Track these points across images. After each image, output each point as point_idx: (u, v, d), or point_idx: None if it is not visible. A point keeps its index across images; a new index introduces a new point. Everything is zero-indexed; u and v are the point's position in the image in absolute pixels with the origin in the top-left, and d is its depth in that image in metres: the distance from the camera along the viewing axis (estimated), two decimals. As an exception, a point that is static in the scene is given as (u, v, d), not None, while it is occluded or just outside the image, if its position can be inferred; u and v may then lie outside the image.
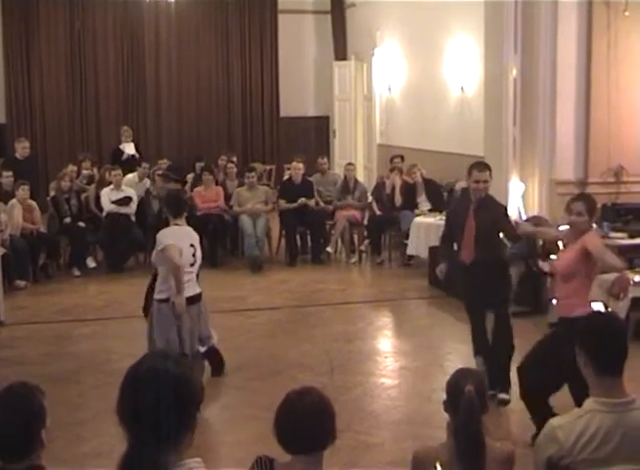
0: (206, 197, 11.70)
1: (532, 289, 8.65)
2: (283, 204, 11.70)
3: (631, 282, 7.49)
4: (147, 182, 12.05)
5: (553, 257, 9.17)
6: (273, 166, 16.32)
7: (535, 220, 9.07)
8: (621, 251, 8.54)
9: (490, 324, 6.58)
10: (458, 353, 7.45)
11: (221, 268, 11.10)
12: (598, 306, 7.38)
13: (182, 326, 6.19)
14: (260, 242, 11.40)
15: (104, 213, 11.28)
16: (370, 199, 12.00)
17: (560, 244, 6.00)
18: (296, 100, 17.25)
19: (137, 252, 11.29)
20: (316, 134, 17.45)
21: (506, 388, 6.23)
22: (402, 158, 12.31)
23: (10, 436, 2.71)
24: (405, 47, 14.07)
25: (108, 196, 11.27)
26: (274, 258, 11.74)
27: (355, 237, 11.92)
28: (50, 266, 10.83)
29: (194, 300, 6.29)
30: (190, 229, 6.45)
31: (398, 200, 11.47)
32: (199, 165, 13.43)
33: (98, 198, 11.42)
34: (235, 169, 12.74)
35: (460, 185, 11.09)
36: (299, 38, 17.28)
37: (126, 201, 11.26)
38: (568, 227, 5.58)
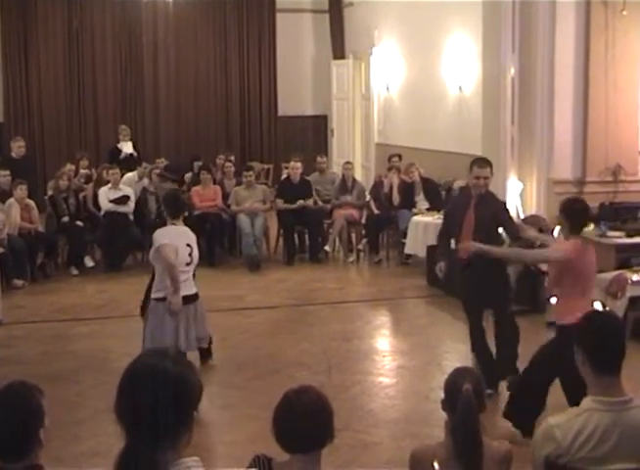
0: (204, 196, 11.70)
1: (530, 288, 8.66)
2: (281, 204, 11.69)
3: (629, 281, 7.52)
4: (145, 181, 12.04)
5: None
6: (271, 166, 16.32)
7: (533, 219, 9.10)
8: (619, 249, 8.56)
9: (490, 324, 6.60)
10: (456, 352, 7.45)
11: (219, 267, 11.10)
12: (596, 306, 7.40)
13: (179, 325, 6.23)
14: (258, 241, 11.40)
15: (102, 213, 11.28)
16: (368, 198, 12.00)
17: None
18: (294, 99, 17.25)
19: (135, 251, 11.29)
20: (314, 133, 17.44)
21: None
22: (400, 157, 12.32)
23: (8, 435, 2.71)
24: (403, 46, 14.07)
25: (105, 195, 11.26)
26: (272, 258, 11.74)
27: (353, 236, 11.92)
28: (48, 266, 10.82)
29: (190, 299, 6.32)
30: (187, 229, 6.50)
31: (396, 199, 11.48)
32: (197, 164, 13.42)
33: (96, 197, 11.41)
34: (233, 168, 12.73)
35: (458, 184, 11.10)
36: (297, 37, 17.27)
37: (124, 200, 11.25)
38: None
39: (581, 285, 5.37)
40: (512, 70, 9.79)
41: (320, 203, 11.94)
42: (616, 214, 9.13)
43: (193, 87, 16.95)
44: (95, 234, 11.20)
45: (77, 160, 12.97)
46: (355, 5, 16.11)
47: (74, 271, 10.86)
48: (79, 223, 11.14)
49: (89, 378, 6.89)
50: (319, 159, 12.66)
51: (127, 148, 13.92)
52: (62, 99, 16.25)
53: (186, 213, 6.78)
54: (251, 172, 11.90)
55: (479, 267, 6.25)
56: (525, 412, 5.49)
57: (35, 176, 12.87)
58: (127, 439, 2.17)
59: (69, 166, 12.12)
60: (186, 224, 6.69)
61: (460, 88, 12.01)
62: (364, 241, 11.78)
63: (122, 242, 11.09)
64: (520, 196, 9.94)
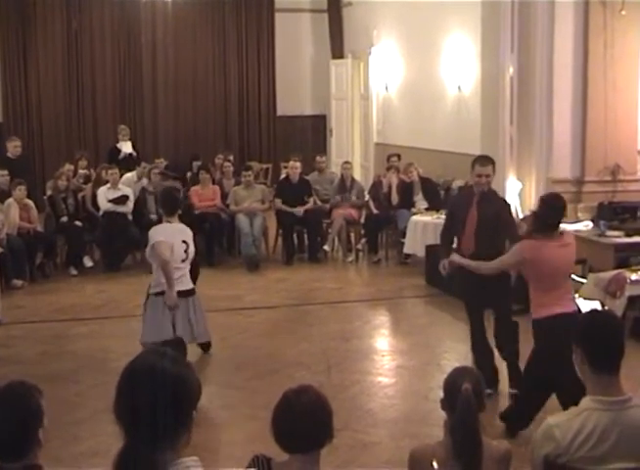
0: (203, 196, 11.69)
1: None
2: (279, 203, 11.68)
3: (628, 280, 7.52)
4: (144, 181, 12.04)
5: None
6: (270, 165, 16.32)
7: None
8: (618, 249, 8.57)
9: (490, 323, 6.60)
10: (455, 352, 7.46)
11: (218, 267, 11.10)
12: (594, 306, 7.41)
13: (175, 317, 6.38)
14: (257, 241, 11.40)
15: (100, 212, 11.28)
16: (367, 197, 12.01)
17: None
18: (292, 99, 17.25)
19: (134, 250, 11.28)
20: (313, 133, 17.44)
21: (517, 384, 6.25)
22: (399, 156, 12.32)
23: (7, 435, 2.71)
24: (402, 46, 14.07)
25: (104, 195, 11.26)
26: (271, 257, 11.74)
27: (352, 236, 11.92)
28: (47, 266, 10.81)
29: (186, 294, 6.47)
30: (183, 226, 6.57)
31: (395, 198, 11.48)
32: (195, 164, 13.42)
33: (94, 197, 11.41)
34: (232, 168, 12.74)
35: (457, 184, 11.11)
36: (296, 37, 17.27)
37: (123, 200, 11.25)
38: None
39: (546, 281, 5.38)
40: (511, 70, 9.80)
41: (319, 202, 11.94)
42: (614, 214, 9.14)
43: (192, 87, 16.94)
44: (94, 234, 11.20)
45: (76, 160, 12.96)
46: (354, 5, 16.12)
47: (73, 271, 10.85)
48: (78, 223, 11.13)
49: (88, 378, 6.88)
50: (319, 158, 12.66)
51: (126, 148, 13.92)
52: (61, 99, 16.25)
53: (180, 211, 6.80)
54: (249, 172, 11.89)
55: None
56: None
57: (32, 176, 12.85)
58: (126, 439, 2.17)
59: (68, 166, 12.11)
60: (184, 222, 6.73)
61: (459, 88, 12.02)
62: (363, 241, 11.78)
63: (121, 242, 11.09)
64: (518, 196, 9.95)
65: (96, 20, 16.27)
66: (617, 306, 7.28)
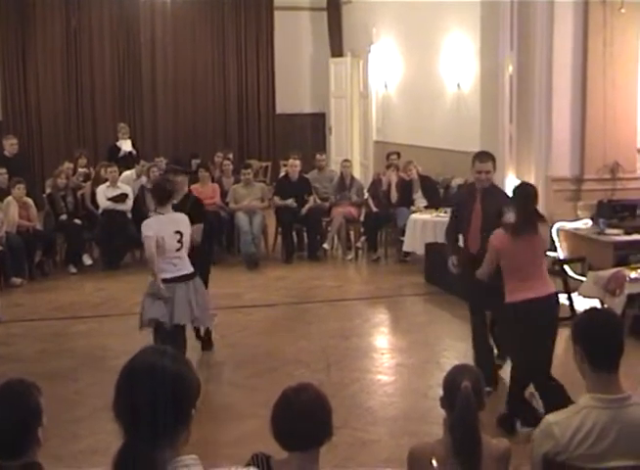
0: (203, 194, 11.61)
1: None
2: (277, 200, 11.67)
3: (627, 278, 7.52)
4: (143, 179, 12.03)
5: (549, 253, 9.22)
6: (269, 163, 16.32)
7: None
8: (617, 247, 8.57)
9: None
10: (454, 350, 7.46)
11: (217, 265, 11.01)
12: (594, 303, 7.41)
13: (174, 300, 6.44)
14: (256, 239, 11.40)
15: (100, 211, 11.28)
16: (366, 195, 12.01)
17: None
18: (292, 97, 17.24)
19: (133, 248, 11.26)
20: (312, 131, 17.44)
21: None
22: (398, 154, 12.32)
23: (6, 433, 2.71)
24: (401, 44, 14.06)
25: (104, 193, 11.26)
26: (270, 255, 11.74)
27: (352, 234, 11.91)
28: (46, 264, 10.82)
29: (186, 278, 6.53)
30: (176, 216, 6.58)
31: (394, 196, 11.47)
32: (195, 162, 13.41)
33: (93, 195, 11.41)
34: (231, 166, 12.73)
35: (456, 182, 11.11)
36: (295, 35, 17.26)
37: (122, 198, 11.25)
38: None
39: (518, 271, 5.46)
40: (510, 68, 9.80)
41: (318, 201, 11.94)
42: (614, 212, 9.15)
43: (191, 85, 16.94)
44: (93, 232, 11.20)
45: (76, 158, 12.96)
46: (353, 3, 16.11)
47: (73, 269, 10.85)
48: (77, 221, 11.13)
49: (87, 376, 6.89)
50: (319, 156, 12.65)
51: (126, 146, 13.91)
52: (60, 97, 16.24)
53: (175, 201, 6.85)
54: (249, 170, 11.89)
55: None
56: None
57: (30, 174, 12.85)
58: (126, 437, 2.17)
59: (68, 165, 12.11)
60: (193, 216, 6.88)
61: (458, 86, 12.01)
62: (362, 239, 11.78)
63: (120, 240, 11.08)
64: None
65: (95, 18, 16.26)
66: (617, 304, 7.28)
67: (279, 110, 17.31)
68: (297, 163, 11.85)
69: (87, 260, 11.18)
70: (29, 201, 10.79)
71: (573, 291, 8.24)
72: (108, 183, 11.35)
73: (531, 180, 9.58)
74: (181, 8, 16.38)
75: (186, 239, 6.50)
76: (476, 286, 6.33)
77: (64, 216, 11.11)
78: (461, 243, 6.75)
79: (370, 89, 15.29)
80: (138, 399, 2.15)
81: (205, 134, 16.93)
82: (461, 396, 3.01)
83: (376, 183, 11.98)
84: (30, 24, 15.90)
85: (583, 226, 9.22)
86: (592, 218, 9.26)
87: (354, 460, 5.25)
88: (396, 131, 14.34)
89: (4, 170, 11.07)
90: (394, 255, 11.46)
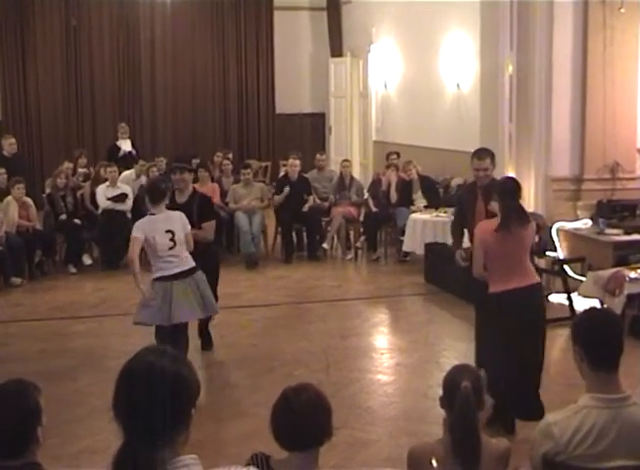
0: (202, 194, 11.67)
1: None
2: (277, 198, 11.67)
3: (627, 278, 7.52)
4: (143, 179, 12.03)
5: (549, 253, 9.23)
6: (269, 163, 16.33)
7: (531, 217, 9.08)
8: (617, 247, 8.57)
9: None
10: (454, 350, 7.46)
11: (217, 265, 11.07)
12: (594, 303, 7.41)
13: (172, 299, 6.42)
14: (256, 239, 11.41)
15: (99, 210, 11.28)
16: (366, 195, 12.01)
17: None
18: (291, 97, 17.24)
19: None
20: (312, 131, 17.44)
21: None
22: (398, 154, 12.32)
23: (6, 433, 2.71)
24: (401, 44, 14.06)
25: (103, 193, 11.27)
26: (270, 255, 11.74)
27: (351, 234, 11.92)
28: (46, 263, 10.82)
29: (184, 274, 6.51)
30: (169, 215, 6.55)
31: (394, 196, 11.47)
32: (194, 162, 13.37)
33: (93, 195, 11.42)
34: (231, 166, 12.74)
35: (456, 182, 11.11)
36: (295, 35, 17.27)
37: (122, 198, 11.25)
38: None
39: (501, 263, 5.51)
40: (510, 68, 9.79)
41: (317, 200, 11.93)
42: (613, 212, 9.14)
43: (191, 85, 16.94)
44: (93, 232, 11.20)
45: (76, 158, 12.96)
46: (353, 3, 16.11)
47: (72, 269, 10.85)
48: (77, 221, 11.13)
49: (87, 376, 6.88)
50: (319, 156, 12.65)
51: (126, 146, 13.91)
52: (59, 97, 16.24)
53: (183, 199, 6.87)
54: (248, 170, 11.89)
55: None
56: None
57: (29, 174, 12.84)
58: (125, 437, 2.16)
59: (67, 165, 12.11)
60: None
61: (458, 86, 12.01)
62: (362, 239, 11.78)
63: (120, 240, 11.03)
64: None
65: (95, 17, 16.27)
66: (616, 304, 7.28)
67: (279, 110, 17.31)
68: (297, 162, 11.84)
69: (87, 260, 11.18)
70: (29, 201, 10.79)
71: (573, 291, 8.24)
72: (107, 183, 11.35)
73: (531, 180, 9.61)
74: (181, 7, 16.38)
75: (179, 237, 6.46)
76: (480, 282, 6.34)
77: (63, 216, 11.11)
78: (466, 238, 6.75)
79: (370, 89, 15.29)
80: (137, 399, 2.15)
81: (204, 134, 16.93)
82: (461, 395, 3.01)
83: (375, 183, 11.98)
84: (30, 24, 15.90)
85: (583, 226, 9.22)
86: (592, 218, 9.25)
87: (354, 460, 5.25)
88: (396, 131, 14.34)
89: (3, 170, 11.07)
90: (394, 254, 11.46)
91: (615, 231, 8.79)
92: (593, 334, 3.03)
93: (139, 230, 6.46)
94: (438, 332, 8.25)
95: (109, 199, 11.20)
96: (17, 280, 10.07)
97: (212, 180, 12.13)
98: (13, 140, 12.27)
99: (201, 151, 14.80)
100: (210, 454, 5.29)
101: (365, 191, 12.15)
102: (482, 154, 6.46)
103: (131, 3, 16.22)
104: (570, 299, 8.20)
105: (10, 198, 10.50)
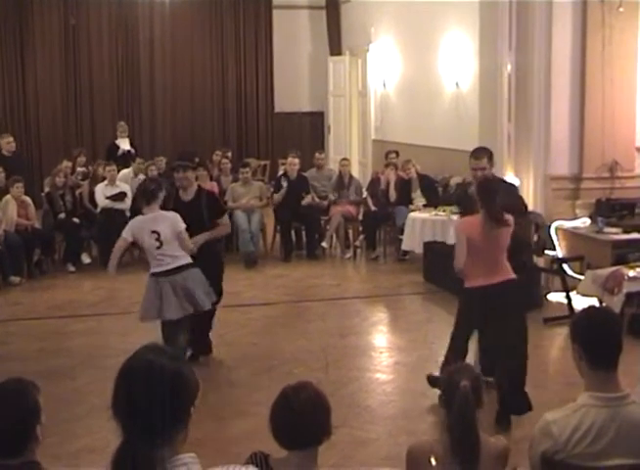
0: (201, 193, 11.66)
1: (527, 284, 8.65)
2: (276, 196, 11.67)
3: (626, 277, 7.52)
4: (141, 178, 12.02)
5: (548, 251, 9.23)
6: (268, 162, 16.33)
7: (530, 216, 9.09)
8: (615, 246, 8.57)
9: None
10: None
11: (216, 264, 11.07)
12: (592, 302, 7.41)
13: (162, 296, 6.55)
14: (255, 237, 11.41)
15: (98, 209, 11.28)
16: (365, 194, 12.01)
17: None
18: (290, 96, 17.24)
19: (132, 247, 11.24)
20: (311, 130, 17.44)
21: None
22: (397, 153, 12.32)
23: (5, 432, 2.71)
24: (400, 43, 14.06)
25: (102, 192, 11.26)
26: (269, 254, 11.74)
27: (350, 232, 11.92)
28: (45, 262, 10.82)
29: (173, 271, 6.58)
30: (157, 215, 6.64)
31: (393, 195, 11.48)
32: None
33: (91, 194, 11.42)
34: (229, 165, 12.74)
35: (455, 181, 11.11)
36: (294, 34, 17.26)
37: (121, 196, 11.25)
38: None
39: (479, 260, 5.64)
40: (509, 67, 9.79)
41: (317, 199, 11.93)
42: (612, 211, 9.15)
43: (189, 84, 16.94)
44: (91, 231, 11.20)
45: (75, 156, 12.96)
46: (352, 1, 16.11)
47: (71, 268, 10.85)
48: (76, 220, 11.14)
49: (86, 374, 6.88)
50: (318, 155, 12.65)
51: (125, 145, 13.91)
52: (58, 96, 16.24)
53: (188, 197, 7.05)
54: (247, 169, 11.89)
55: None
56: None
57: (28, 173, 12.83)
58: (124, 435, 2.17)
59: (66, 163, 12.11)
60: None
61: (457, 85, 12.01)
62: (361, 237, 11.78)
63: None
64: (516, 192, 9.93)
65: (93, 16, 16.26)
66: (615, 303, 7.28)
67: (277, 108, 17.31)
68: (297, 161, 11.85)
69: (86, 259, 11.18)
70: (28, 199, 10.79)
71: (572, 289, 8.24)
72: (106, 182, 11.35)
73: (530, 179, 9.61)
74: (180, 7, 16.37)
75: (165, 237, 6.54)
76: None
77: (62, 215, 11.11)
78: None
79: (369, 88, 15.29)
80: (136, 398, 2.15)
81: (203, 133, 16.93)
82: (460, 395, 3.01)
83: (374, 182, 11.98)
84: (29, 23, 15.89)
85: (582, 225, 9.22)
86: (591, 217, 9.26)
87: (353, 459, 5.25)
88: (395, 130, 14.34)
89: (0, 169, 11.06)
90: (393, 253, 11.46)
91: (613, 230, 8.79)
92: (592, 333, 3.03)
93: (128, 231, 6.67)
94: (437, 331, 8.24)
95: (107, 197, 11.20)
96: (16, 279, 10.07)
97: (211, 179, 12.12)
98: (11, 139, 12.26)
99: (199, 150, 14.78)
100: (210, 453, 5.29)
101: (364, 190, 12.15)
102: (479, 153, 6.47)
103: (130, 3, 16.22)
104: (568, 297, 8.21)
105: (9, 197, 10.50)
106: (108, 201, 11.19)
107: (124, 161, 13.06)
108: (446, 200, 10.54)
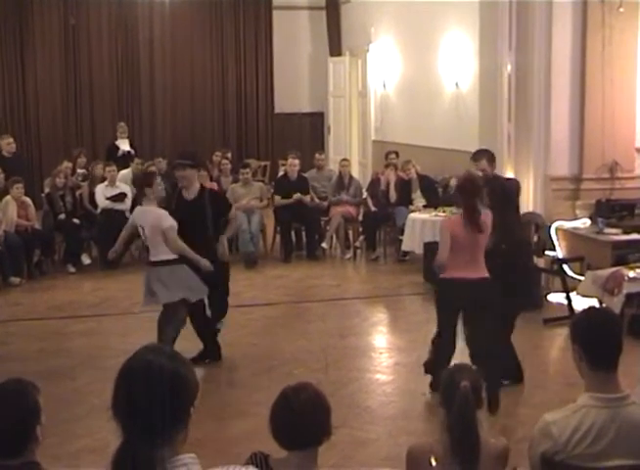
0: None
1: (526, 284, 8.65)
2: (278, 199, 11.68)
3: (626, 278, 7.52)
4: (141, 178, 12.03)
5: (548, 252, 9.23)
6: (268, 163, 16.33)
7: (530, 216, 9.10)
8: (615, 246, 8.57)
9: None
10: (453, 349, 7.44)
11: (216, 265, 11.06)
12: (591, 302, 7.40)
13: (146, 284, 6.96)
14: (255, 238, 11.41)
15: (98, 210, 11.28)
16: (365, 195, 12.00)
17: None
18: (290, 96, 17.23)
19: (132, 248, 11.26)
20: (311, 130, 17.44)
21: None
22: (397, 154, 12.32)
23: (5, 432, 2.71)
24: (400, 43, 14.06)
25: (102, 192, 11.26)
26: (269, 255, 11.74)
27: (350, 233, 11.92)
28: (44, 263, 10.82)
29: (152, 264, 6.93)
30: (145, 209, 6.95)
31: (393, 196, 11.48)
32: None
33: (91, 195, 11.42)
34: (229, 166, 12.74)
35: (455, 181, 11.09)
36: (294, 35, 17.26)
37: (121, 197, 11.24)
38: None
39: (458, 254, 5.83)
40: (509, 67, 9.79)
41: (317, 200, 11.93)
42: (612, 211, 9.14)
43: (189, 84, 16.93)
44: (92, 231, 11.20)
45: (75, 157, 12.95)
46: (352, 2, 16.11)
47: (71, 269, 10.85)
48: (76, 221, 11.13)
49: (85, 375, 6.89)
50: (318, 155, 12.65)
51: (124, 145, 13.91)
52: (58, 96, 16.23)
53: (191, 196, 7.12)
54: (247, 169, 11.89)
55: (502, 258, 6.33)
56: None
57: (28, 173, 12.84)
58: (124, 435, 2.17)
59: (66, 164, 12.10)
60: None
61: (457, 85, 12.01)
62: (361, 238, 11.78)
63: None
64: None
65: (93, 16, 16.25)
66: (615, 304, 7.28)
67: (277, 109, 17.30)
68: (297, 162, 11.85)
69: (86, 260, 11.18)
70: (28, 200, 10.79)
71: (572, 290, 8.24)
72: (106, 182, 11.35)
73: (530, 179, 9.61)
74: (180, 7, 16.37)
75: (147, 232, 6.88)
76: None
77: (62, 216, 11.10)
78: None
79: (369, 88, 15.29)
80: (136, 398, 2.15)
81: (203, 133, 16.93)
82: (460, 395, 3.01)
83: (374, 182, 11.98)
84: (29, 23, 15.88)
85: (582, 225, 9.22)
86: (591, 218, 9.25)
87: (353, 459, 5.25)
88: (395, 130, 14.33)
89: (0, 170, 11.07)
90: (393, 254, 11.46)
91: (613, 230, 8.79)
92: (592, 333, 3.03)
93: (132, 217, 7.29)
94: (437, 331, 8.24)
95: (108, 198, 11.19)
96: (16, 279, 10.07)
97: (211, 179, 12.12)
98: (11, 140, 12.26)
99: (199, 150, 14.75)
100: (210, 453, 5.29)
101: (364, 190, 12.15)
102: (478, 156, 6.54)
103: (130, 3, 16.21)
104: (568, 298, 8.20)
105: (9, 197, 10.50)
106: (108, 201, 11.18)
107: (124, 161, 13.05)
108: (446, 200, 10.54)
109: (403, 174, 11.61)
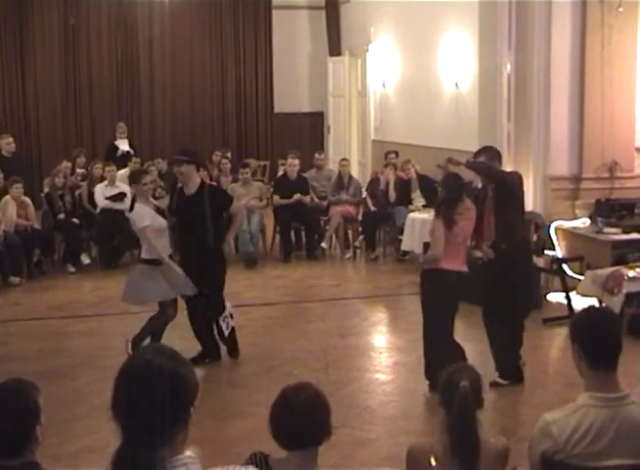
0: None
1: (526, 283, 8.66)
2: (278, 199, 11.68)
3: (625, 277, 7.53)
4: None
5: (547, 252, 9.23)
6: (267, 162, 16.32)
7: (529, 216, 9.10)
8: (615, 246, 8.57)
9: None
10: (453, 349, 7.44)
11: (216, 264, 11.06)
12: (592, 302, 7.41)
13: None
14: (255, 238, 11.41)
15: (98, 210, 11.27)
16: (364, 194, 12.01)
17: None
18: (290, 96, 17.23)
19: (131, 248, 11.25)
20: (311, 130, 17.43)
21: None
22: (397, 153, 12.31)
23: (5, 432, 2.71)
24: (400, 43, 14.05)
25: (102, 192, 11.26)
26: (268, 255, 11.73)
27: (350, 233, 11.92)
28: (44, 263, 10.82)
29: (143, 262, 7.22)
30: (136, 208, 7.12)
31: (393, 195, 11.48)
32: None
33: (91, 194, 11.42)
34: (229, 165, 12.74)
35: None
36: (294, 34, 17.25)
37: (120, 197, 11.24)
38: None
39: (449, 248, 6.04)
40: (508, 67, 9.80)
41: (316, 200, 11.93)
42: (612, 211, 9.15)
43: (189, 84, 16.92)
44: (91, 231, 11.20)
45: (74, 157, 12.95)
46: (351, 2, 16.10)
47: (71, 268, 10.85)
48: (75, 221, 11.14)
49: (85, 375, 6.88)
50: (317, 155, 12.65)
51: (124, 145, 13.91)
52: (58, 96, 16.22)
53: (190, 192, 7.13)
54: (247, 169, 11.90)
55: (503, 258, 6.34)
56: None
57: (28, 173, 12.84)
58: (124, 436, 2.17)
59: (66, 164, 12.10)
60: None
61: (456, 85, 12.00)
62: (361, 238, 11.78)
63: (119, 239, 11.08)
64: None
65: (93, 16, 16.24)
66: (615, 303, 7.28)
67: (277, 109, 17.30)
68: (296, 161, 11.85)
69: (85, 260, 11.18)
70: (27, 200, 10.79)
71: (572, 290, 8.25)
72: (106, 182, 11.35)
73: (530, 179, 9.60)
74: (179, 7, 16.37)
75: (135, 228, 7.13)
76: (492, 283, 6.42)
77: (62, 216, 11.11)
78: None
79: (368, 88, 15.28)
80: (136, 398, 2.16)
81: (203, 133, 16.92)
82: (459, 395, 3.01)
83: (374, 182, 11.98)
84: (28, 23, 15.87)
85: (581, 225, 9.22)
86: (590, 217, 9.26)
87: (353, 459, 5.25)
88: (395, 130, 14.33)
89: (-1, 170, 11.10)
90: (393, 254, 11.46)
91: (613, 230, 8.79)
92: (592, 333, 3.03)
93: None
94: (437, 331, 8.24)
95: (107, 198, 11.19)
96: (15, 279, 10.07)
97: (211, 179, 12.12)
98: (11, 139, 12.26)
99: (199, 150, 14.71)
100: (210, 453, 5.27)
101: (363, 190, 12.15)
102: (477, 154, 6.57)
103: (130, 2, 16.20)
104: (568, 298, 8.21)
105: (8, 197, 10.50)
106: (107, 201, 11.18)
107: (123, 161, 13.05)
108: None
109: (403, 174, 11.61)
